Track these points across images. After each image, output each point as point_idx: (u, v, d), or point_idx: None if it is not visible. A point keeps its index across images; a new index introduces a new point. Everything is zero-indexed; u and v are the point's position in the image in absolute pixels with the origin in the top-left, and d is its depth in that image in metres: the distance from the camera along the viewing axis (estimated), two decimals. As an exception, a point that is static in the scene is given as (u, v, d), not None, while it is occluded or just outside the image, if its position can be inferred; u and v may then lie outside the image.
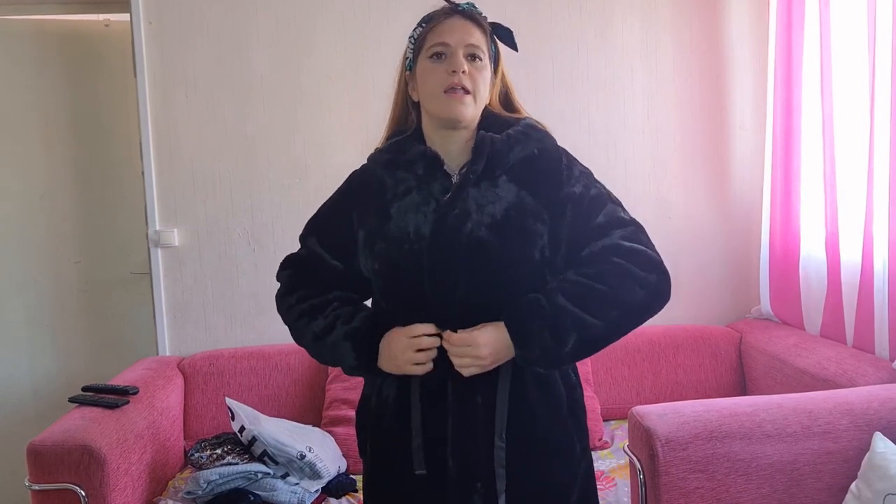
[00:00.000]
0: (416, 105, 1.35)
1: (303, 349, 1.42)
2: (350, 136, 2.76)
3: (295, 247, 1.44)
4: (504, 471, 1.24)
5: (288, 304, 1.40)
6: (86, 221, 3.01)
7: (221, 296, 2.79)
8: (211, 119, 2.75)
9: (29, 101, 2.95)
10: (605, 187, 1.34)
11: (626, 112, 2.89)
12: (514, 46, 1.35)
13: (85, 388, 2.27)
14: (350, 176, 1.43)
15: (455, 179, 1.29)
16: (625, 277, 1.22)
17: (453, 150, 1.32)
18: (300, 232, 1.45)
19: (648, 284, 1.23)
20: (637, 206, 2.90)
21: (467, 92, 1.26)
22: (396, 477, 1.31)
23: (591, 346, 1.24)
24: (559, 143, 1.37)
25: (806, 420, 1.80)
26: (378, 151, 1.38)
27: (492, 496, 1.25)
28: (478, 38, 1.28)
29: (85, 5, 2.92)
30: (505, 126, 1.32)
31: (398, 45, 2.75)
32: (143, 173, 2.75)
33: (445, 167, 1.30)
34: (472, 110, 1.28)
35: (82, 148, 2.99)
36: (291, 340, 2.83)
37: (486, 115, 1.34)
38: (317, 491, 2.21)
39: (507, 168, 1.29)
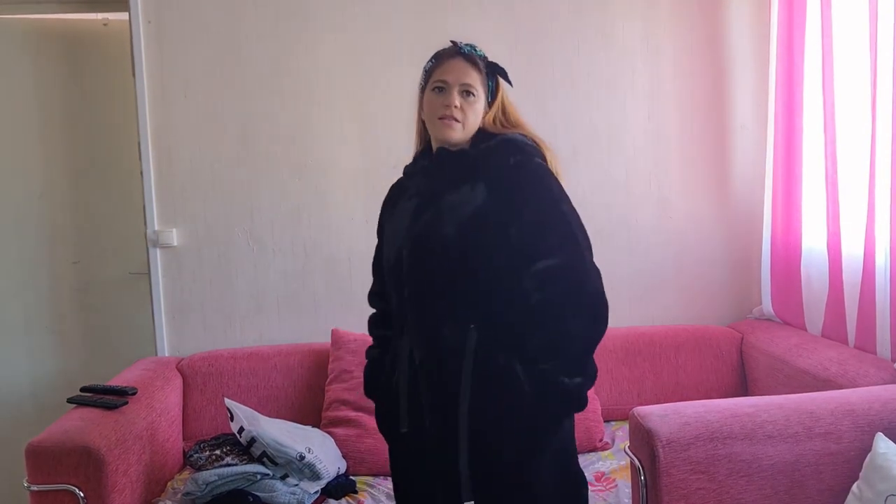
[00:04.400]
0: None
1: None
2: (350, 136, 2.75)
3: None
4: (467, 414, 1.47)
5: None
6: (84, 221, 3.00)
7: (220, 296, 2.79)
8: (210, 119, 2.74)
9: (27, 100, 2.94)
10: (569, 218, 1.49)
11: (626, 112, 2.88)
12: (508, 81, 1.59)
13: (84, 389, 2.27)
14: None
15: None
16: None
17: None
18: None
19: None
20: (638, 206, 2.92)
21: (457, 121, 1.51)
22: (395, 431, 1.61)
23: None
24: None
25: (807, 421, 1.80)
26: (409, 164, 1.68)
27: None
28: (473, 78, 1.53)
29: (84, 4, 2.92)
30: (489, 140, 1.54)
31: (398, 45, 2.77)
32: (141, 173, 2.74)
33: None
34: (459, 135, 1.53)
35: (81, 147, 2.99)
36: (291, 341, 2.85)
37: (479, 131, 1.56)
38: (316, 492, 2.20)
39: (484, 176, 1.50)
